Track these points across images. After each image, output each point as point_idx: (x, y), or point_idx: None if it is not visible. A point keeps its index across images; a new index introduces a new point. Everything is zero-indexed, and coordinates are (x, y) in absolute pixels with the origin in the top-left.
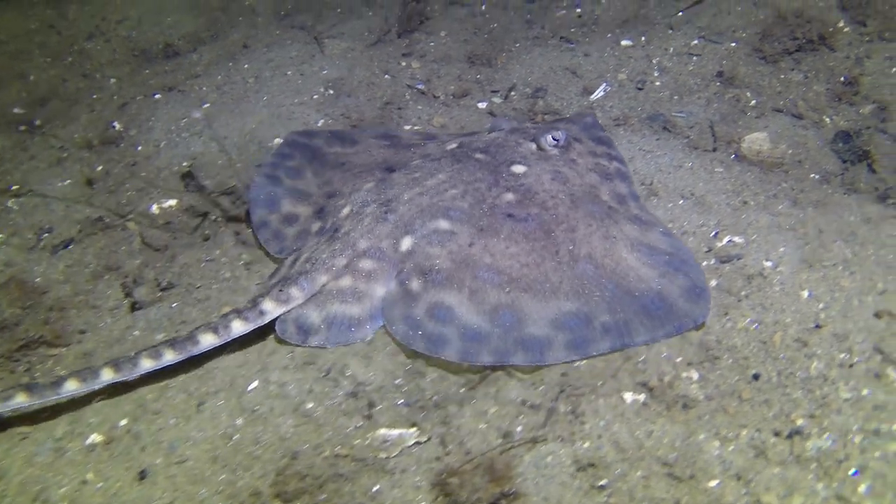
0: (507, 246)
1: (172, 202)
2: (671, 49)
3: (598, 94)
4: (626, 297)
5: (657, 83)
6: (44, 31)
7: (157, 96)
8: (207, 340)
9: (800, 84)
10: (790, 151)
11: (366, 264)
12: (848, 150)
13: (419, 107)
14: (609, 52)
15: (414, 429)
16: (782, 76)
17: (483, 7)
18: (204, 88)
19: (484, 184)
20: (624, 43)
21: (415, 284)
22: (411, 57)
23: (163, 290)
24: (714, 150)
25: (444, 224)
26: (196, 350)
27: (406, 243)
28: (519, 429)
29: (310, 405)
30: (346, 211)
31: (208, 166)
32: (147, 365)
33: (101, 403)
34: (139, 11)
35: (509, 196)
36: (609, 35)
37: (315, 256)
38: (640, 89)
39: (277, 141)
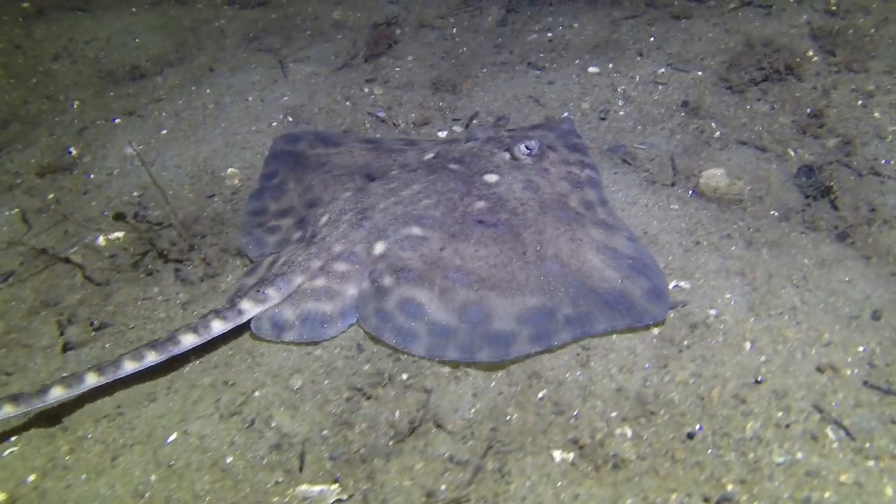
0: (476, 249)
1: (119, 234)
2: (637, 77)
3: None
4: (590, 293)
5: (621, 112)
6: (9, 50)
7: (117, 121)
8: (189, 340)
9: (765, 115)
10: (750, 188)
11: (339, 266)
12: (811, 185)
13: (377, 133)
14: (575, 79)
15: (336, 485)
16: (748, 107)
17: (454, 30)
18: (164, 114)
19: (457, 193)
20: (591, 70)
21: (387, 281)
22: (375, 83)
23: (96, 329)
24: (673, 184)
25: (416, 230)
26: (177, 350)
27: (379, 247)
28: (443, 487)
29: (230, 459)
30: (324, 219)
31: (158, 197)
32: (130, 367)
33: (13, 455)
34: (108, 31)
35: (480, 204)
36: (577, 61)
37: (292, 259)
38: (602, 119)
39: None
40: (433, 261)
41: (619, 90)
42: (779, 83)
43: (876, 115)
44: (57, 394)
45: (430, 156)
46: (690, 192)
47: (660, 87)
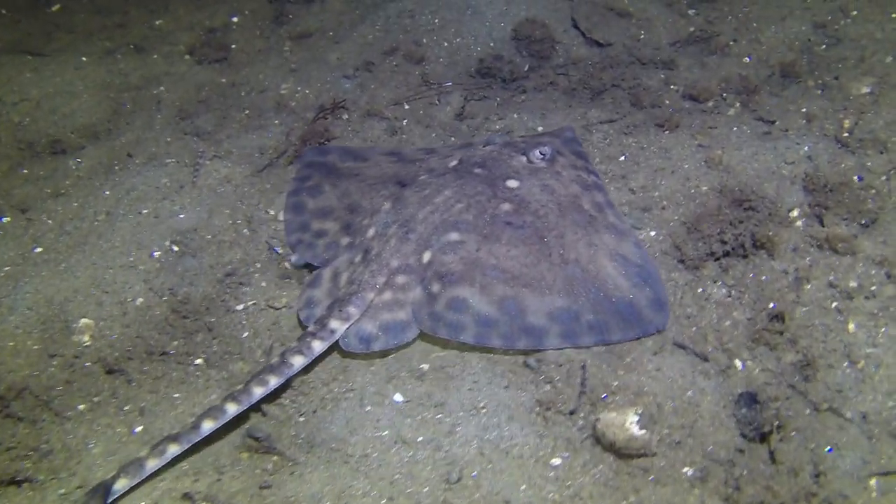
0: (507, 249)
1: None
2: None
3: None
4: (606, 301)
5: None
6: None
7: (5, 220)
8: (298, 361)
9: (718, 306)
10: (667, 430)
11: (400, 279)
12: (750, 421)
13: (263, 283)
14: None
15: None
16: (700, 290)
17: (405, 122)
18: (50, 221)
19: (484, 196)
20: None
21: (435, 287)
22: (279, 210)
23: None
24: (572, 412)
25: (454, 236)
26: (290, 372)
27: (427, 256)
28: None
29: None
30: (371, 232)
31: (2, 352)
32: (258, 391)
33: None
34: (45, 89)
35: (506, 206)
36: None
37: (357, 278)
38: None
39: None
40: (472, 261)
41: None
42: (744, 260)
43: (851, 327)
44: (207, 426)
45: (454, 162)
46: (587, 434)
47: None
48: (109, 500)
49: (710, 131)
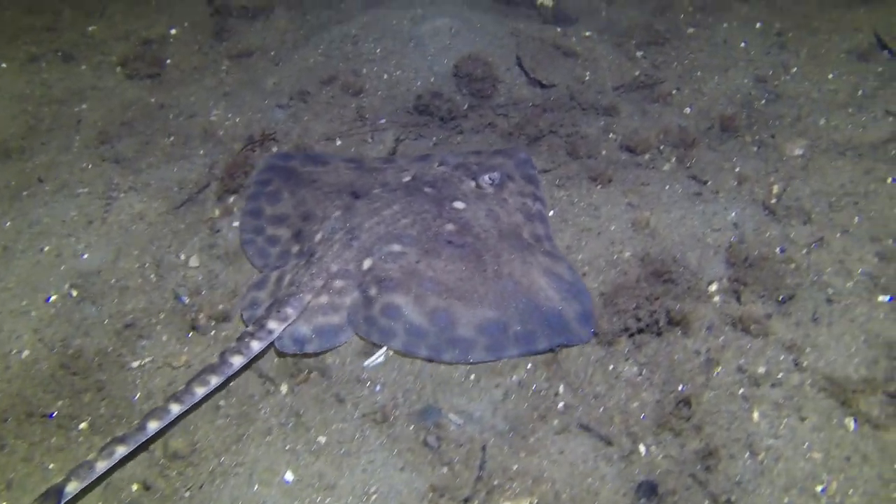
0: (445, 265)
1: None
2: None
3: (377, 359)
4: (535, 310)
5: None
6: None
7: None
8: (237, 361)
9: (627, 385)
10: None
11: (338, 283)
12: None
13: (164, 337)
14: None
15: None
16: (611, 367)
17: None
18: None
19: (430, 215)
20: None
21: (372, 291)
22: (195, 247)
23: None
24: (465, 501)
25: (396, 247)
26: (230, 371)
27: (367, 263)
28: None
29: None
30: (318, 237)
31: None
32: (199, 391)
33: None
34: None
35: (450, 226)
36: None
37: (297, 280)
38: (430, 360)
39: None
40: (410, 271)
41: None
42: (658, 338)
43: (755, 416)
44: (152, 427)
45: (407, 178)
46: None
47: None
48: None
49: (642, 189)
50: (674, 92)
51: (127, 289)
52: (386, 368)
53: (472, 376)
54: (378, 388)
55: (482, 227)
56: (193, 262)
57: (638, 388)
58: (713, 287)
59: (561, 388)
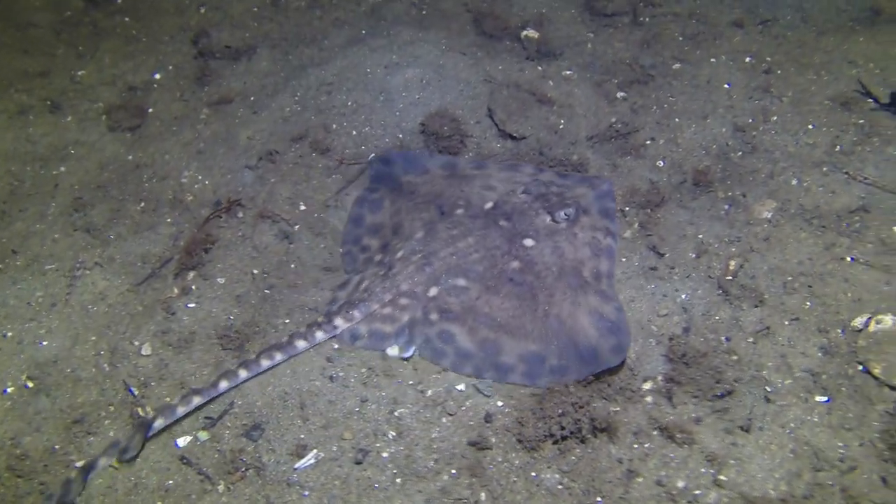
0: (502, 302)
1: None
2: (430, 392)
3: (308, 461)
4: (573, 347)
5: (385, 453)
6: None
7: None
8: (301, 344)
9: (548, 494)
10: None
11: (403, 300)
12: None
13: (111, 432)
14: (363, 372)
15: None
16: (532, 475)
17: (296, 227)
18: None
19: (499, 251)
20: (389, 352)
21: (433, 316)
22: (150, 331)
23: None
24: None
25: (462, 282)
26: (294, 352)
27: (433, 291)
28: None
29: None
30: (399, 254)
31: None
32: (265, 363)
33: None
34: None
35: (515, 264)
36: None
37: (371, 288)
38: (358, 463)
39: None
40: (469, 307)
41: (395, 414)
42: (582, 445)
43: None
44: (223, 385)
45: (489, 205)
46: None
47: (445, 420)
48: (149, 434)
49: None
50: (648, 143)
51: (80, 380)
52: (316, 472)
53: (398, 481)
54: (306, 493)
55: (545, 265)
56: (146, 349)
57: (557, 499)
58: (647, 385)
59: (482, 496)
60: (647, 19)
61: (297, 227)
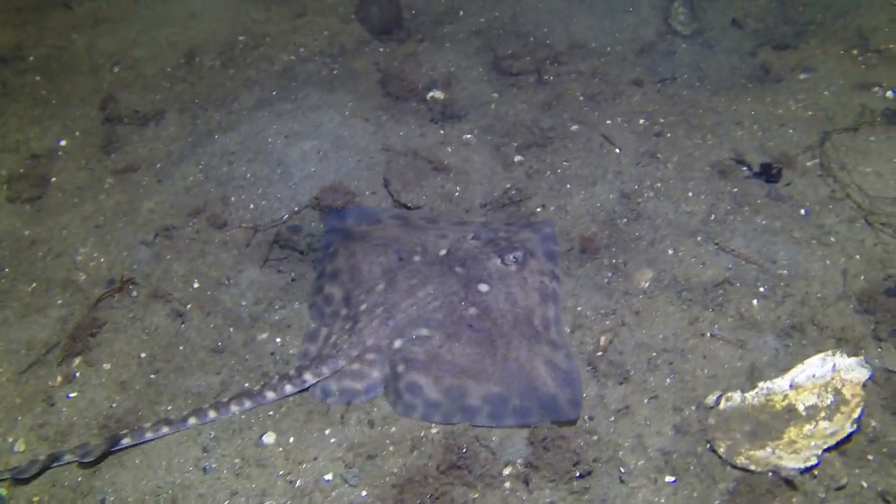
0: (463, 348)
1: None
2: (297, 484)
3: None
4: (533, 392)
5: None
6: None
7: None
8: (270, 395)
9: None
10: None
11: (370, 356)
12: None
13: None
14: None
15: None
16: None
17: (188, 306)
18: None
19: (457, 297)
20: (266, 440)
21: (400, 368)
22: (33, 420)
23: None
24: None
25: (424, 331)
26: (263, 401)
27: (397, 343)
28: None
29: None
30: (363, 307)
31: None
32: (234, 409)
33: None
34: None
35: (472, 310)
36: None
37: (339, 343)
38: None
39: None
40: (433, 355)
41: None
42: None
43: None
44: (192, 422)
45: (443, 251)
46: None
47: None
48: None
49: None
50: (538, 210)
51: None
52: None
53: None
54: None
55: (500, 312)
56: (19, 446)
57: None
58: (507, 471)
59: None
60: (551, 78)
61: (189, 306)
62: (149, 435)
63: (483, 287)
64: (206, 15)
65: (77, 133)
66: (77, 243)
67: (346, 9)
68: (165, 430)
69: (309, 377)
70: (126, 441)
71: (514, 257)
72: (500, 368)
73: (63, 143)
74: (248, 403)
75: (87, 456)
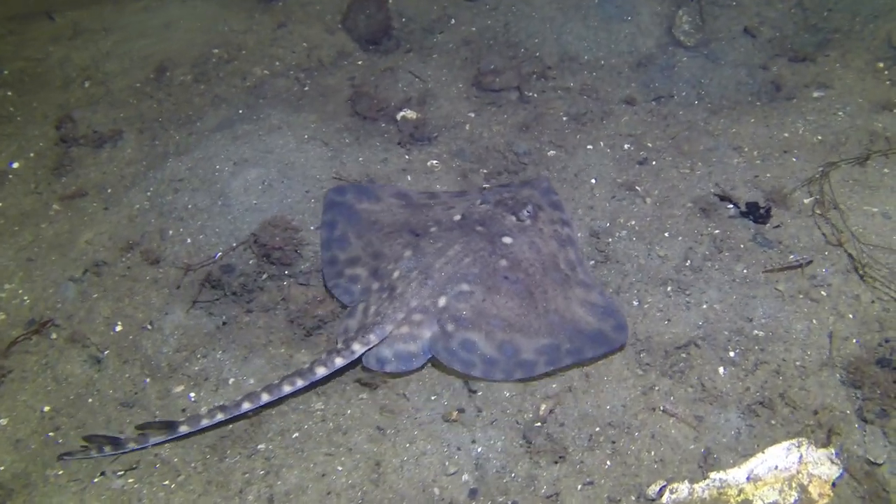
0: (505, 301)
1: None
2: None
3: None
4: (580, 334)
5: None
6: None
7: None
8: (321, 371)
9: None
10: None
11: (417, 317)
12: None
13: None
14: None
15: None
16: None
17: (106, 352)
18: None
19: (486, 252)
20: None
21: (450, 327)
22: None
23: None
24: None
25: (465, 286)
26: (314, 378)
27: (442, 301)
28: None
29: None
30: (396, 274)
31: None
32: (287, 389)
33: None
34: None
35: (504, 262)
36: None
37: (382, 311)
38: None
39: None
40: (479, 311)
41: None
42: None
43: None
44: (246, 406)
45: (458, 216)
46: None
47: None
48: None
49: (399, 402)
50: None
51: None
52: None
53: None
54: None
55: (529, 262)
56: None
57: None
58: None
59: None
60: (535, 95)
61: (106, 352)
62: (203, 421)
63: (507, 240)
64: (184, 25)
65: (31, 154)
66: (4, 279)
67: (334, 17)
68: (219, 415)
69: (357, 347)
70: (182, 429)
71: (528, 212)
72: (544, 322)
73: (15, 165)
74: (299, 382)
75: None
